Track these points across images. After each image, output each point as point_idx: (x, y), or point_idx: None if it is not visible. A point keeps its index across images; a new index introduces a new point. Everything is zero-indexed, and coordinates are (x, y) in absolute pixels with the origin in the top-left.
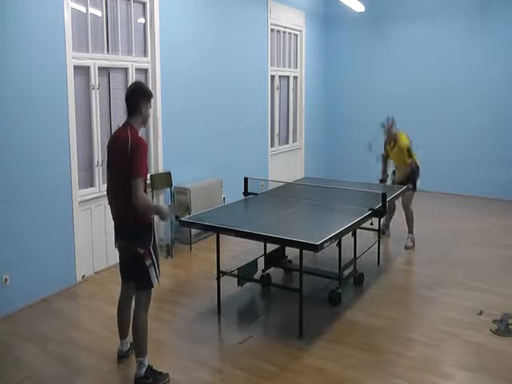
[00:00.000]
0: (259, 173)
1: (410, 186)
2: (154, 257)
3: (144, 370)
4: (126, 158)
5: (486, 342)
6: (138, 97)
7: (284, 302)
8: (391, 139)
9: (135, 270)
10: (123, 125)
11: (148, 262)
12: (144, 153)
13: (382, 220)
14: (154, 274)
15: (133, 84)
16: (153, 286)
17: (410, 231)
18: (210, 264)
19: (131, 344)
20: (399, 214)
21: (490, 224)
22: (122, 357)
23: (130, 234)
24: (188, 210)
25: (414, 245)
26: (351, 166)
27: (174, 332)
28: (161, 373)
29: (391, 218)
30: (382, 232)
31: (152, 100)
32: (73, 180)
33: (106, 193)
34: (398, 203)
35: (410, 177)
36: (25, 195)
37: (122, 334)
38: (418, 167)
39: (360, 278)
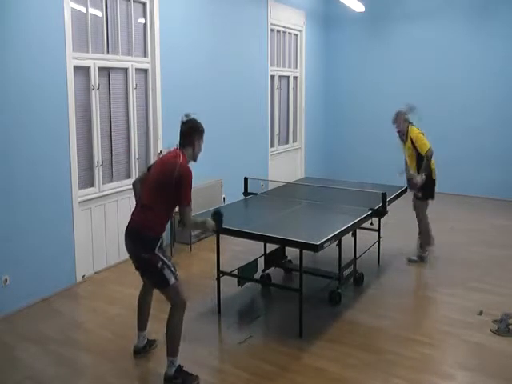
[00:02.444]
0: (259, 173)
1: (419, 195)
2: (163, 257)
3: (174, 369)
4: (169, 182)
5: (486, 341)
6: (193, 132)
7: (284, 302)
8: (401, 133)
9: (148, 273)
10: (177, 151)
11: (159, 264)
12: (190, 184)
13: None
14: (170, 273)
15: (189, 120)
16: (170, 285)
17: (421, 246)
18: (210, 264)
19: (148, 341)
20: (398, 215)
21: (489, 224)
22: (137, 352)
23: (138, 240)
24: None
25: (418, 261)
26: (351, 165)
27: None
28: (191, 374)
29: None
30: (420, 258)
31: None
32: (73, 180)
33: (132, 186)
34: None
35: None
36: (25, 195)
37: (140, 325)
38: (432, 180)
39: (360, 277)
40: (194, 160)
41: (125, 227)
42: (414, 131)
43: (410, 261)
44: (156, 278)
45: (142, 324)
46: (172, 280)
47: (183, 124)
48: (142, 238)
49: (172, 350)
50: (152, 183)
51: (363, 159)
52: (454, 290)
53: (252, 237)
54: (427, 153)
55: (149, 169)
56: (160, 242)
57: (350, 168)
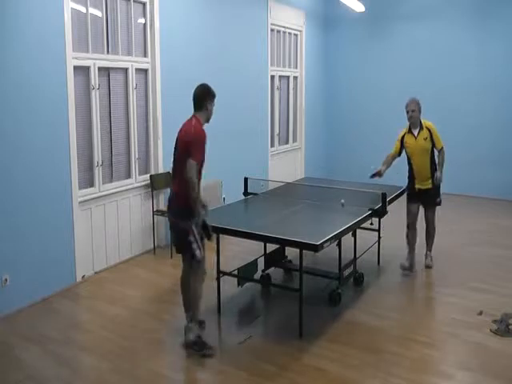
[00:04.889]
0: (259, 173)
1: (439, 200)
2: (196, 234)
3: (192, 324)
4: (186, 145)
5: (486, 341)
6: (205, 96)
7: (284, 302)
8: (415, 125)
9: (181, 242)
10: (191, 117)
11: (191, 238)
12: (201, 142)
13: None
14: (196, 248)
15: (200, 86)
16: (197, 259)
17: (430, 249)
18: (209, 264)
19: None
20: (398, 215)
21: (489, 224)
22: (202, 324)
23: (176, 210)
24: None
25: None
26: (351, 165)
27: (174, 332)
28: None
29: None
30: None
31: (216, 99)
32: (73, 180)
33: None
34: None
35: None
36: (25, 195)
37: (187, 306)
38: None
39: (360, 277)
40: (207, 121)
41: (124, 227)
42: (430, 123)
43: (428, 267)
44: (186, 249)
45: (188, 304)
46: (199, 256)
47: (196, 89)
48: (177, 207)
49: (188, 309)
50: (178, 152)
51: (363, 159)
52: (455, 290)
53: (252, 237)
54: (443, 148)
55: (175, 149)
56: (193, 217)
57: (350, 168)
